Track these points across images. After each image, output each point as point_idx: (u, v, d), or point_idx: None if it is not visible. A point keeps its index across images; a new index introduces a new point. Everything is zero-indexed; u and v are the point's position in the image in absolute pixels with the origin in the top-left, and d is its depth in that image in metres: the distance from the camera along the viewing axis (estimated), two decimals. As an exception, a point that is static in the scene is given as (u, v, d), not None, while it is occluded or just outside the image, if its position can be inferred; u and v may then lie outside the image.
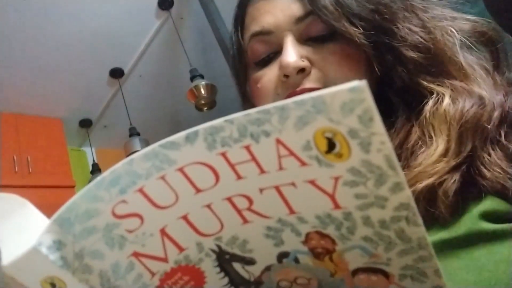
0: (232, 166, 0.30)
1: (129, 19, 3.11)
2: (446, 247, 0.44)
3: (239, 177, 0.31)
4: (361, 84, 0.24)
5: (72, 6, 2.84)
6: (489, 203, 0.45)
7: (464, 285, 0.42)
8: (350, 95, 0.24)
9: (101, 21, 3.04)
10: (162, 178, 0.30)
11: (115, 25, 3.11)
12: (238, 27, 0.70)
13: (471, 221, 0.45)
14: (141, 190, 0.31)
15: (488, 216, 0.44)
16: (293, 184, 0.30)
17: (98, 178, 0.29)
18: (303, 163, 0.29)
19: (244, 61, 0.69)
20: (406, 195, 0.28)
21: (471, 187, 0.47)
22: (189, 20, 3.30)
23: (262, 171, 0.30)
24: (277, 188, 0.31)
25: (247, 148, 0.29)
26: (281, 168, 0.30)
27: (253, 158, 0.29)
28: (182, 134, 0.29)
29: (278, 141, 0.28)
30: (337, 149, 0.27)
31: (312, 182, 0.30)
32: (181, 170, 0.30)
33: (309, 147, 0.28)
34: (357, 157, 0.27)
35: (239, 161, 0.30)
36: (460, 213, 0.46)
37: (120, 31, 3.17)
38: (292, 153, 0.28)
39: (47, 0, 2.74)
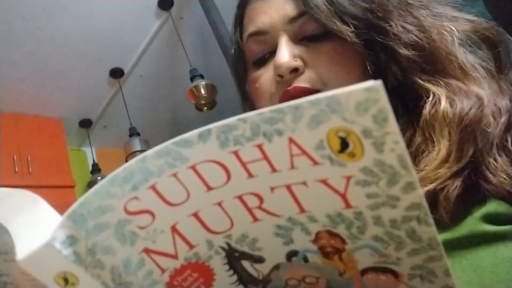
0: (244, 164, 0.30)
1: (129, 19, 3.11)
2: (448, 248, 0.44)
3: (250, 175, 0.31)
4: (376, 83, 0.24)
5: (72, 6, 2.84)
6: (492, 206, 0.45)
7: (466, 285, 0.42)
8: (365, 95, 0.24)
9: (101, 21, 3.05)
10: (174, 175, 0.31)
11: (115, 25, 3.11)
12: (237, 27, 0.71)
13: (473, 223, 0.45)
14: (153, 187, 0.31)
15: (490, 218, 0.45)
16: (304, 183, 0.31)
17: (111, 174, 0.30)
18: (315, 162, 0.29)
19: (243, 61, 0.70)
20: (418, 194, 0.28)
21: (473, 192, 0.47)
22: (189, 20, 3.30)
23: (274, 170, 0.30)
24: (288, 187, 0.31)
25: (260, 146, 0.29)
26: (293, 167, 0.30)
27: (265, 157, 0.30)
28: (195, 132, 0.29)
29: (291, 140, 0.28)
30: (350, 149, 0.27)
31: (323, 182, 0.30)
32: (193, 167, 0.30)
33: (322, 146, 0.28)
34: (370, 157, 0.27)
35: (251, 160, 0.30)
36: (462, 217, 0.46)
37: (120, 31, 3.17)
38: (304, 152, 0.28)
39: (47, 0, 2.74)
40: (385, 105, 0.25)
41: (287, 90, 0.59)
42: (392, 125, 0.25)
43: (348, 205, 0.31)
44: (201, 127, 0.29)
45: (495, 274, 0.42)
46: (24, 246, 0.29)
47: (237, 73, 0.73)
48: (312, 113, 0.26)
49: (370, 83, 0.24)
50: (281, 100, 0.60)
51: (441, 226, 0.46)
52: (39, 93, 3.50)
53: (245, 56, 0.69)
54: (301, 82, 0.59)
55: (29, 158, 3.44)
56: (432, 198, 0.47)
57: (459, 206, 0.46)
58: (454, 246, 0.44)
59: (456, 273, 0.43)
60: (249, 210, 0.33)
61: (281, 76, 0.59)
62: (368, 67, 0.56)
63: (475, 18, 0.60)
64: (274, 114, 0.27)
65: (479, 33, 0.59)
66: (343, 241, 0.34)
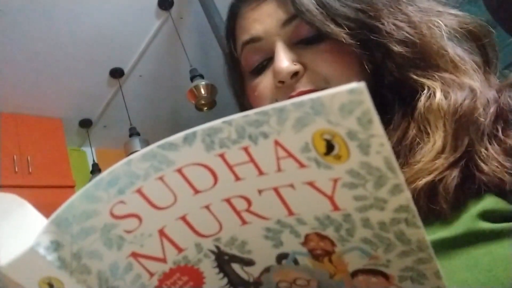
0: (230, 167, 0.30)
1: (129, 19, 3.10)
2: (445, 246, 0.44)
3: (237, 178, 0.31)
4: (360, 85, 0.24)
5: (72, 6, 2.84)
6: (488, 203, 0.45)
7: (462, 284, 0.42)
8: (349, 97, 0.24)
9: (101, 21, 3.04)
10: (161, 178, 0.30)
11: (115, 25, 3.11)
12: (230, 39, 0.70)
13: (469, 220, 0.45)
14: (139, 191, 0.31)
15: (486, 216, 0.44)
16: (291, 185, 0.30)
17: (96, 178, 0.29)
18: (302, 165, 0.29)
19: (239, 72, 0.70)
20: (406, 197, 0.28)
21: (470, 183, 0.47)
22: (189, 20, 3.30)
23: (261, 172, 0.30)
24: (275, 190, 0.31)
25: (246, 149, 0.29)
26: (279, 169, 0.29)
27: (252, 160, 0.29)
28: (180, 135, 0.29)
29: (277, 143, 0.28)
30: (335, 151, 0.27)
31: (311, 184, 0.30)
32: (179, 171, 0.30)
33: (308, 148, 0.27)
34: (356, 159, 0.27)
35: (237, 163, 0.30)
36: (461, 209, 0.46)
37: (120, 31, 3.17)
38: (290, 155, 0.28)
39: (47, 0, 2.74)
40: (370, 107, 0.24)
41: (291, 96, 0.59)
42: (377, 127, 0.25)
43: (336, 208, 0.31)
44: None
45: (491, 272, 0.41)
46: (8, 252, 0.28)
47: (234, 84, 0.73)
48: (297, 116, 0.26)
49: (354, 85, 0.24)
50: None
51: (441, 219, 0.46)
52: (39, 93, 3.50)
53: (240, 67, 0.69)
54: (304, 85, 0.59)
55: (29, 158, 3.44)
56: (431, 189, 0.47)
57: (459, 196, 0.46)
58: (451, 245, 0.44)
59: (453, 271, 0.43)
60: (238, 213, 0.33)
61: (282, 82, 0.59)
62: (365, 66, 0.56)
63: (459, 13, 0.60)
64: (259, 116, 0.27)
65: (464, 28, 0.59)
66: (333, 244, 0.33)
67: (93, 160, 4.05)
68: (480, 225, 0.44)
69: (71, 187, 3.58)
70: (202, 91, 2.90)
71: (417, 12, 0.59)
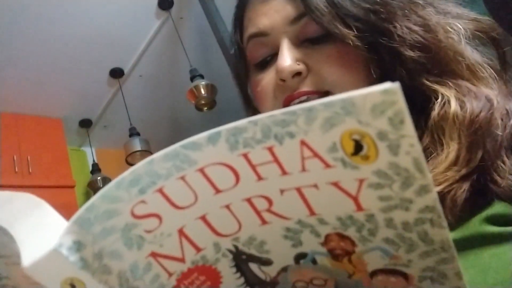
0: (253, 167, 0.30)
1: (129, 19, 3.10)
2: None
3: (260, 178, 0.30)
4: (393, 86, 0.23)
5: (72, 6, 2.83)
6: (497, 207, 0.45)
7: (470, 286, 0.42)
8: (381, 97, 0.24)
9: (101, 21, 3.04)
10: (182, 178, 0.30)
11: (115, 25, 3.11)
12: (237, 28, 0.70)
13: (477, 224, 0.45)
14: (160, 190, 0.30)
15: (494, 220, 0.44)
16: (315, 186, 0.30)
17: (118, 178, 0.29)
18: (328, 165, 0.28)
19: (244, 63, 0.69)
20: (432, 197, 0.28)
21: (480, 195, 0.46)
22: (189, 20, 3.30)
23: (284, 172, 0.30)
24: (298, 190, 0.31)
25: (270, 149, 0.28)
26: (304, 169, 0.29)
27: (276, 160, 0.29)
28: (204, 134, 0.28)
29: (303, 143, 0.28)
30: (364, 151, 0.27)
31: (335, 184, 0.29)
32: (201, 170, 0.30)
33: (335, 149, 0.27)
34: (384, 160, 0.27)
35: (260, 162, 0.29)
36: (468, 218, 0.46)
37: (120, 31, 3.17)
38: (316, 155, 0.28)
39: (47, 0, 2.74)
40: (402, 108, 0.24)
41: (290, 95, 0.59)
42: (409, 127, 0.25)
43: (359, 208, 0.31)
44: (208, 129, 0.28)
45: (499, 275, 0.41)
46: (30, 252, 0.28)
47: (239, 75, 0.72)
48: (326, 116, 0.26)
49: (387, 85, 0.24)
50: (284, 105, 0.59)
51: None
52: (39, 93, 3.50)
53: (246, 57, 0.68)
54: (305, 86, 0.58)
55: (29, 158, 3.43)
56: (439, 200, 0.46)
57: (466, 209, 0.46)
58: (458, 247, 0.44)
59: None
60: (258, 213, 0.33)
61: (283, 80, 0.58)
62: (372, 71, 0.55)
63: (478, 16, 0.59)
64: (286, 116, 0.27)
65: (483, 32, 0.58)
66: (353, 244, 0.33)
67: (93, 160, 4.04)
68: (488, 228, 0.44)
69: (71, 187, 3.58)
70: (202, 91, 2.90)
71: (435, 14, 0.57)
